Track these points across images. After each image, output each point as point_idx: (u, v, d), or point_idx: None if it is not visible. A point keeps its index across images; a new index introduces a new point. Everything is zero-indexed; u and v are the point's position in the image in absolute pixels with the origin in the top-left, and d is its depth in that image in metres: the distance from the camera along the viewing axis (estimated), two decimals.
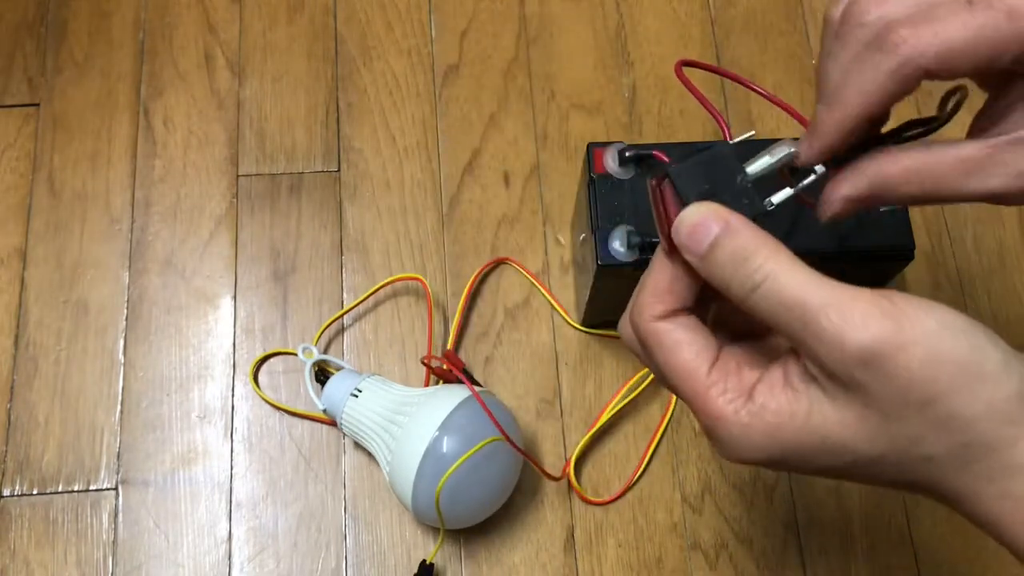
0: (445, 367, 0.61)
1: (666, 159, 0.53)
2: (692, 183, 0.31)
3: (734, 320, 0.33)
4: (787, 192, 0.33)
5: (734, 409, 0.29)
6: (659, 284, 0.31)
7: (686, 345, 0.31)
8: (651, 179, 0.32)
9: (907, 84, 0.30)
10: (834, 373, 0.27)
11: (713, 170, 0.32)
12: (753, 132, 0.37)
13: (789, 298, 0.27)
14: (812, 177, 0.34)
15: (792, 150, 0.33)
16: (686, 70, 0.46)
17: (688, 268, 0.31)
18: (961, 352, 0.26)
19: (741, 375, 0.30)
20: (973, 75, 0.32)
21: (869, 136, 0.32)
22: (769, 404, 0.29)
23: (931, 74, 0.29)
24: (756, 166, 0.33)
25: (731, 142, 0.34)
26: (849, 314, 0.26)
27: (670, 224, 0.31)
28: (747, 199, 0.32)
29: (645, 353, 0.32)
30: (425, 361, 0.61)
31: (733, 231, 0.29)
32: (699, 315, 0.32)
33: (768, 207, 0.32)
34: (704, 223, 0.30)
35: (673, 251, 0.31)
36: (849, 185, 0.32)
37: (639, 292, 0.32)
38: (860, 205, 0.33)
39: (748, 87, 0.49)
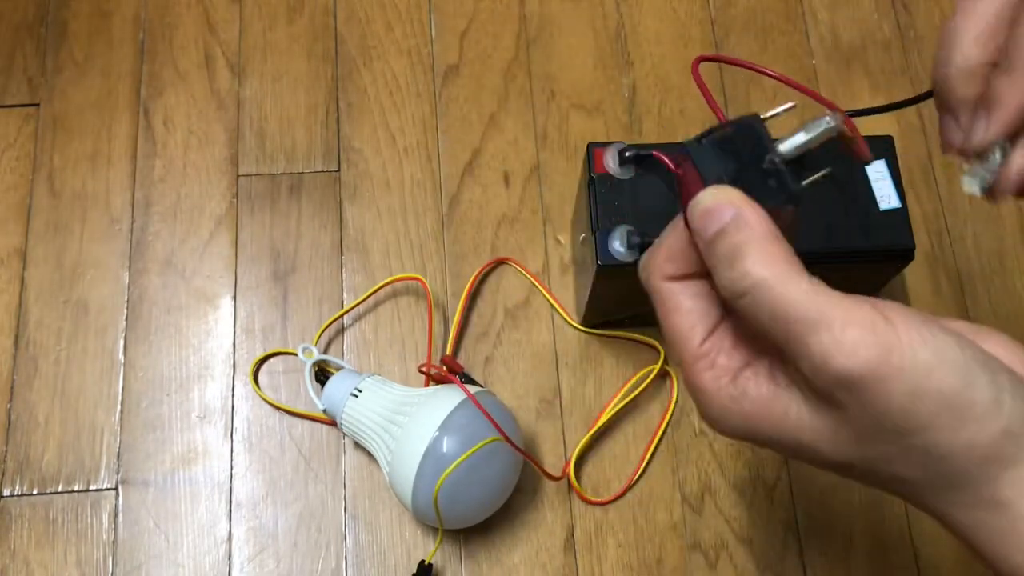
0: (443, 373, 0.60)
1: (667, 160, 0.53)
2: (714, 162, 0.29)
3: None
4: (821, 172, 0.30)
5: (717, 387, 0.29)
6: (673, 247, 0.31)
7: (686, 311, 0.30)
8: (681, 149, 0.30)
9: None
10: (815, 387, 0.27)
11: (741, 147, 0.29)
12: (793, 104, 0.33)
13: (778, 310, 0.26)
14: (999, 156, 0.31)
15: (832, 124, 0.30)
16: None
17: None
18: (949, 387, 0.25)
19: (732, 354, 0.30)
20: None
21: None
22: (750, 392, 0.28)
23: None
24: (790, 144, 0.30)
25: (764, 116, 0.30)
26: (840, 337, 0.25)
27: (687, 201, 0.29)
28: (775, 181, 0.29)
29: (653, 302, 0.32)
30: (423, 369, 0.61)
31: (737, 225, 0.28)
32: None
33: (799, 190, 0.29)
34: (715, 210, 0.28)
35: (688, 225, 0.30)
36: None
37: (655, 248, 0.31)
38: None
39: (761, 72, 0.48)
